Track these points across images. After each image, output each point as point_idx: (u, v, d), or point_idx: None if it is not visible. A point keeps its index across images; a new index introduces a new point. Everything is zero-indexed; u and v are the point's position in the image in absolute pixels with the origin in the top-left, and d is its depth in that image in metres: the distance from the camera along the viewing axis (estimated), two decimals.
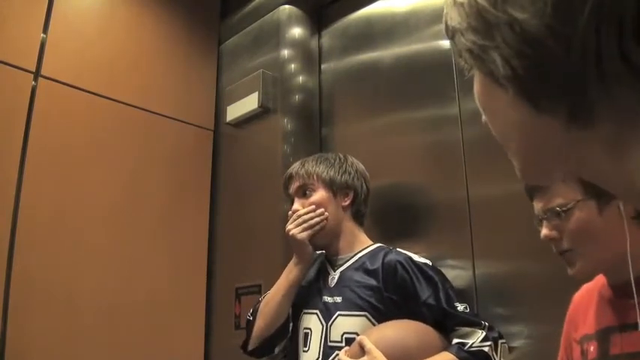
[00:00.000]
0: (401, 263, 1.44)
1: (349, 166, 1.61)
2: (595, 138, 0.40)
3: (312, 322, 1.48)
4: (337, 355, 1.33)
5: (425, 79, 1.83)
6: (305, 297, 1.53)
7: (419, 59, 1.88)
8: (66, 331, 1.80)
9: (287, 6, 2.26)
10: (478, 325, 1.36)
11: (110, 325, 1.91)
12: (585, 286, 1.04)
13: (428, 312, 1.37)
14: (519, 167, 0.49)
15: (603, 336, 0.90)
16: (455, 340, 1.35)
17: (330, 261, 1.58)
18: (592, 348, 0.91)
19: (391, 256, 1.47)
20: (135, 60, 2.21)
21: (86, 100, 2.02)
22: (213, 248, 2.27)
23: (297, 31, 2.25)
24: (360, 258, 1.53)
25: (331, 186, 1.57)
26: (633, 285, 0.79)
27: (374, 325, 1.38)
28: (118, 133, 2.10)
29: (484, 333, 1.35)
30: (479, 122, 0.49)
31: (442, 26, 0.49)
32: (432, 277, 1.42)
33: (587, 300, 1.00)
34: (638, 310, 0.76)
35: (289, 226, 1.51)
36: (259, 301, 1.60)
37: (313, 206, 1.53)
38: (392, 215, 1.82)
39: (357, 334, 1.34)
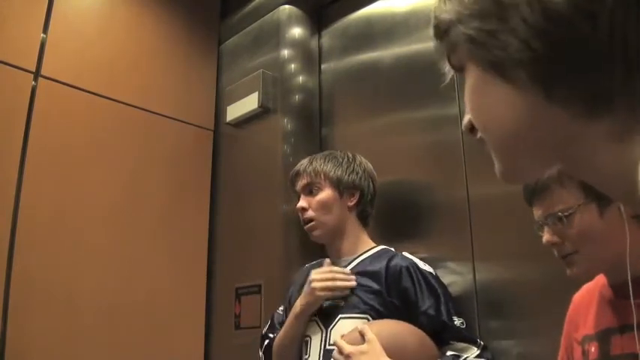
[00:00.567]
0: (407, 269, 1.43)
1: (357, 166, 1.60)
2: (599, 131, 0.38)
3: (311, 329, 1.48)
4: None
5: (425, 79, 1.83)
6: None
7: (419, 59, 1.88)
8: (66, 331, 1.80)
9: (287, 6, 2.26)
10: (474, 343, 1.37)
11: (110, 325, 1.91)
12: (586, 286, 1.04)
13: (426, 322, 1.37)
14: (505, 166, 0.46)
15: (604, 337, 0.90)
16: (449, 352, 1.35)
17: (332, 263, 1.58)
18: (593, 349, 0.91)
19: (396, 261, 1.47)
20: (135, 60, 2.21)
21: (86, 100, 2.02)
22: (213, 248, 2.27)
23: (297, 31, 2.25)
24: (362, 261, 1.53)
25: (338, 185, 1.56)
26: (630, 286, 0.79)
27: None
28: (118, 133, 2.10)
29: (478, 351, 1.36)
30: None
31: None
32: (435, 287, 1.42)
33: (588, 300, 1.00)
34: (634, 311, 0.76)
35: (316, 277, 1.45)
36: (267, 335, 1.58)
37: (348, 270, 1.49)
38: (392, 215, 1.82)
39: None
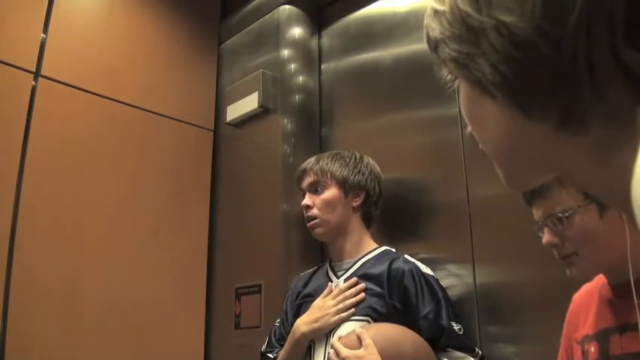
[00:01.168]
0: (411, 272, 1.43)
1: (364, 167, 1.61)
2: (583, 143, 0.39)
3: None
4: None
5: (425, 79, 1.83)
6: (307, 310, 1.51)
7: (419, 59, 1.88)
8: (66, 330, 1.80)
9: (287, 6, 2.26)
10: (471, 352, 1.37)
11: (110, 324, 1.91)
12: (585, 286, 1.04)
13: (426, 326, 1.37)
14: (506, 176, 0.48)
15: (603, 337, 0.90)
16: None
17: (333, 267, 1.58)
18: (592, 349, 0.91)
19: (399, 264, 1.47)
20: (135, 60, 2.21)
21: (86, 100, 2.02)
22: (214, 248, 2.27)
23: (297, 31, 2.25)
24: (364, 264, 1.52)
25: (343, 185, 1.56)
26: (633, 288, 0.79)
27: None
28: (118, 133, 2.10)
29: None
30: None
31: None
32: (436, 292, 1.42)
33: (588, 300, 1.00)
34: (638, 312, 0.76)
35: (330, 303, 1.44)
36: (267, 355, 1.57)
37: (354, 280, 1.46)
38: (392, 215, 1.82)
39: None
